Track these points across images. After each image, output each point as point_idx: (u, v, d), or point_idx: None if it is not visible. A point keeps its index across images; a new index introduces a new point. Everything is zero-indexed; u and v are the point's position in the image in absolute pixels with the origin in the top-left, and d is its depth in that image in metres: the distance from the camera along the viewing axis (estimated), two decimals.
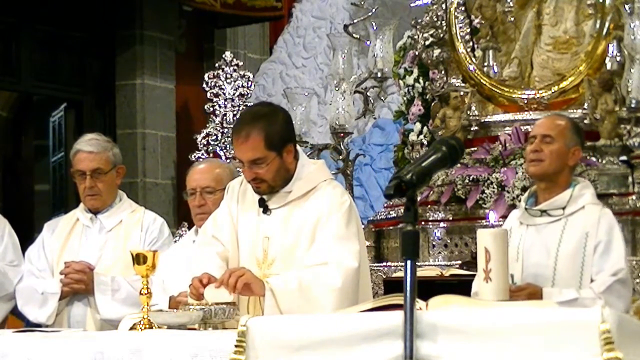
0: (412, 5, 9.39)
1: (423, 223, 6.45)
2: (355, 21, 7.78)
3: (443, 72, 6.81)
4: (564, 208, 4.32)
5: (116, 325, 4.40)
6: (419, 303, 2.77)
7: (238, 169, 4.33)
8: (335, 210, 3.90)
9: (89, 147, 4.82)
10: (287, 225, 3.94)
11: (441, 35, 6.87)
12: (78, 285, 4.72)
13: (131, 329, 3.75)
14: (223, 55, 9.80)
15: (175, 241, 5.43)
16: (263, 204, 3.98)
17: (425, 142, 6.92)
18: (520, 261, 4.35)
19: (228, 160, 9.31)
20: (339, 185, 4.13)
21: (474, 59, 6.75)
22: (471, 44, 6.80)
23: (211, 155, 9.38)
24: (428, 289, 3.13)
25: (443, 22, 6.89)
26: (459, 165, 6.17)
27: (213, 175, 4.56)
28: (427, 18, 7.04)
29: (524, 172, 5.75)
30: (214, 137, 9.49)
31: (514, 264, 4.33)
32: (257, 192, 3.97)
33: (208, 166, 4.66)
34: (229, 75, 9.59)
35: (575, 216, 4.31)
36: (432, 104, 6.94)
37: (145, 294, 3.73)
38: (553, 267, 4.29)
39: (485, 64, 6.76)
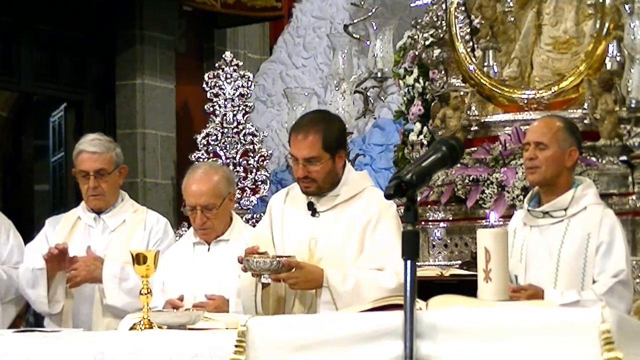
0: (412, 5, 9.39)
1: (423, 223, 6.45)
2: (355, 21, 7.78)
3: (443, 72, 6.81)
4: (566, 209, 4.32)
5: (118, 313, 4.52)
6: (419, 303, 2.77)
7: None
8: (385, 213, 4.13)
9: (93, 148, 4.82)
10: (336, 226, 4.11)
11: (441, 35, 6.87)
12: (84, 273, 4.71)
13: (131, 329, 3.76)
14: (223, 55, 9.78)
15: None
16: (312, 207, 4.14)
17: (425, 142, 6.92)
18: (523, 262, 4.35)
19: (227, 160, 9.32)
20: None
21: (474, 59, 6.74)
22: (471, 44, 6.79)
23: (211, 155, 9.37)
24: (428, 289, 3.12)
25: (443, 22, 6.89)
26: (459, 165, 6.17)
27: (212, 189, 4.47)
28: (427, 18, 7.04)
29: (524, 172, 5.76)
30: (214, 137, 9.48)
31: (517, 265, 4.33)
32: (305, 192, 4.14)
33: (205, 177, 4.50)
34: (229, 75, 9.57)
35: (577, 217, 4.31)
36: (432, 104, 6.94)
37: (145, 294, 3.73)
38: (555, 268, 4.30)
39: (485, 64, 6.75)
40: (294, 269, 3.90)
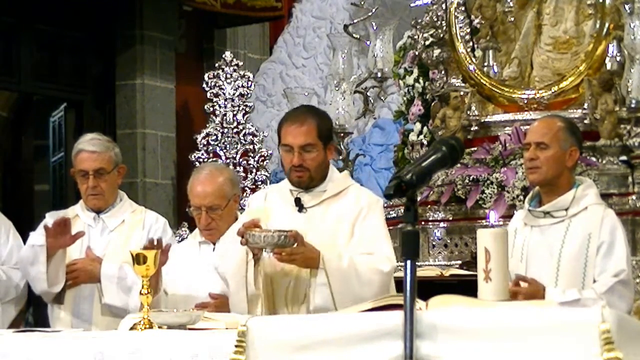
0: (412, 5, 9.39)
1: (423, 223, 6.45)
2: (355, 21, 7.77)
3: (443, 72, 6.81)
4: (567, 209, 4.32)
5: (117, 312, 4.53)
6: (419, 303, 2.77)
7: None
8: (374, 206, 4.21)
9: (92, 147, 4.81)
10: (324, 220, 4.16)
11: (441, 35, 6.87)
12: (82, 274, 4.71)
13: (131, 329, 3.75)
14: (223, 55, 9.79)
15: (178, 241, 5.43)
16: (299, 203, 4.18)
17: (425, 142, 6.93)
18: (524, 262, 4.35)
19: (227, 160, 9.32)
20: None
21: (474, 59, 6.75)
22: (471, 44, 6.80)
23: (211, 155, 9.38)
24: (428, 289, 3.13)
25: (443, 22, 6.89)
26: (459, 165, 6.17)
27: (217, 190, 4.53)
28: (427, 18, 7.05)
29: (524, 172, 5.76)
30: (214, 137, 9.48)
31: (518, 265, 4.33)
32: (297, 183, 4.18)
33: (210, 178, 4.56)
34: (229, 75, 9.58)
35: (578, 217, 4.31)
36: (432, 104, 6.94)
37: (145, 293, 3.73)
38: (556, 268, 4.29)
39: (485, 64, 6.76)
40: (296, 244, 3.93)
